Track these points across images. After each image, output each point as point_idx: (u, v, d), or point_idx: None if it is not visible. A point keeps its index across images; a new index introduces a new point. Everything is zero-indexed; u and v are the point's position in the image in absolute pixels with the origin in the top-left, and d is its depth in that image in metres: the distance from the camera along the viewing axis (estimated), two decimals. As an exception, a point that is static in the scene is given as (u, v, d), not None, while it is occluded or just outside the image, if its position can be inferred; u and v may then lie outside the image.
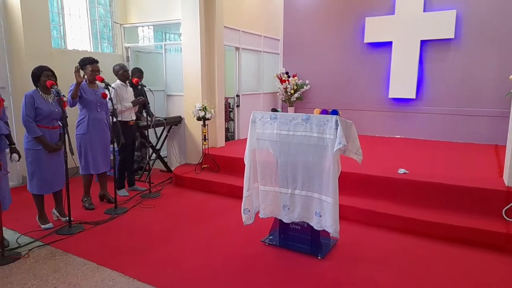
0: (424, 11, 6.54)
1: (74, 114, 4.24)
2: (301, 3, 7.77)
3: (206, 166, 5.41)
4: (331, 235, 3.06)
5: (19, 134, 4.84)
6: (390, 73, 6.92)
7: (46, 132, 3.54)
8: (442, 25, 6.38)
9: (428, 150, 5.78)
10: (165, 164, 6.01)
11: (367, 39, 7.07)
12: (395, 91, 6.92)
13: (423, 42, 6.62)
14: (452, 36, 6.34)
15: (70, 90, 3.87)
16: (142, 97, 4.82)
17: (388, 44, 6.89)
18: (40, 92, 3.53)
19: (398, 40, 6.78)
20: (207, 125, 5.33)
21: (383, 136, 7.12)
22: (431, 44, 6.60)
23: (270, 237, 3.45)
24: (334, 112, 7.16)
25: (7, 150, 3.29)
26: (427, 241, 3.43)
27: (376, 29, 6.97)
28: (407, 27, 6.67)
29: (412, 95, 6.76)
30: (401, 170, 4.25)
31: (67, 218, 3.66)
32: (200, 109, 5.16)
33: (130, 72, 5.08)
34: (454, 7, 6.30)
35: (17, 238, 3.42)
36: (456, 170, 4.42)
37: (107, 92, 4.12)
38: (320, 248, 3.21)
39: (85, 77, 4.07)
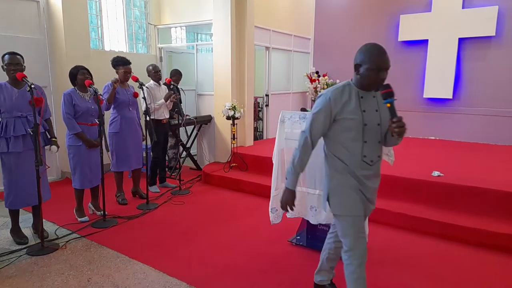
0: (463, 7, 6.26)
1: (108, 112, 4.39)
2: (333, 1, 7.66)
3: (234, 164, 5.46)
4: (360, 237, 3.00)
5: (59, 130, 5.09)
6: (425, 72, 6.68)
7: (85, 129, 3.70)
8: (482, 22, 6.08)
9: (465, 152, 5.53)
10: (194, 162, 6.11)
11: (402, 37, 6.86)
12: (430, 91, 6.67)
13: (461, 40, 6.34)
14: (493, 34, 6.03)
15: (104, 92, 4.05)
16: (173, 92, 4.83)
17: (424, 42, 6.66)
18: (78, 91, 3.71)
19: (434, 38, 6.53)
20: (236, 124, 5.37)
21: (417, 137, 6.88)
22: (470, 42, 6.31)
23: (298, 237, 3.43)
24: (366, 112, 6.99)
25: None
26: (463, 247, 3.29)
27: (411, 27, 6.75)
28: (444, 25, 6.42)
29: (448, 95, 6.50)
30: (435, 173, 4.10)
31: (102, 212, 3.82)
32: (229, 108, 5.22)
33: (169, 73, 5.23)
34: (496, 3, 5.98)
35: (56, 230, 3.60)
36: (495, 174, 4.20)
37: (139, 91, 4.25)
38: (348, 250, 3.15)
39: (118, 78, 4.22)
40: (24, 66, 3.17)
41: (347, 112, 1.97)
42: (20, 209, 3.40)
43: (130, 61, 4.28)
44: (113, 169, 4.34)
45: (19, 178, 3.18)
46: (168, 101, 4.78)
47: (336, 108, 1.98)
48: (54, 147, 3.46)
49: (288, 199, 2.12)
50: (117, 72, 4.22)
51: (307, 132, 2.08)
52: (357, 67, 2.02)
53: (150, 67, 4.81)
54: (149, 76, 4.80)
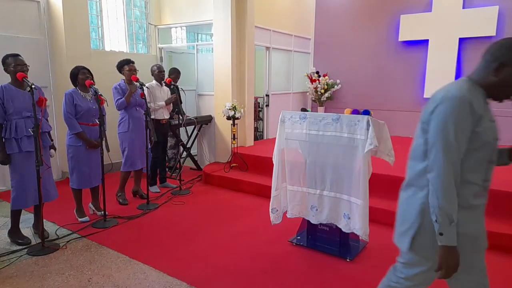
0: (463, 7, 6.26)
1: (111, 112, 4.39)
2: (333, 1, 7.66)
3: (235, 164, 5.46)
4: (360, 237, 3.01)
5: (59, 131, 5.10)
6: (425, 72, 6.68)
7: (86, 129, 3.71)
8: (482, 22, 6.08)
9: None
10: (195, 162, 6.11)
11: (402, 38, 6.86)
12: (431, 91, 6.62)
13: (461, 40, 6.33)
14: (494, 34, 6.02)
15: (114, 93, 4.17)
16: (175, 94, 4.93)
17: (424, 42, 6.65)
18: (79, 91, 3.71)
19: (435, 38, 6.53)
20: (237, 124, 5.37)
21: (417, 138, 6.89)
22: (470, 42, 6.30)
23: (298, 237, 3.43)
24: (366, 112, 6.95)
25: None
26: (462, 247, 3.28)
27: (411, 27, 6.75)
28: (444, 25, 6.42)
29: (449, 95, 6.49)
30: (436, 173, 4.09)
31: (103, 212, 3.82)
32: (230, 109, 5.22)
33: (168, 72, 5.25)
34: (496, 3, 5.99)
35: (56, 230, 3.61)
36: (495, 174, 4.18)
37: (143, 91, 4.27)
38: (348, 250, 3.16)
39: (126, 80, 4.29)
40: (28, 66, 3.19)
41: (483, 122, 1.46)
42: (22, 210, 3.40)
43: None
44: (124, 169, 4.35)
45: (29, 178, 3.19)
46: (169, 103, 4.83)
47: (474, 116, 1.44)
48: (52, 151, 3.51)
49: (455, 260, 1.51)
50: (123, 74, 4.25)
51: (449, 157, 1.43)
52: (500, 68, 1.49)
53: (155, 67, 4.83)
54: (152, 76, 4.81)
